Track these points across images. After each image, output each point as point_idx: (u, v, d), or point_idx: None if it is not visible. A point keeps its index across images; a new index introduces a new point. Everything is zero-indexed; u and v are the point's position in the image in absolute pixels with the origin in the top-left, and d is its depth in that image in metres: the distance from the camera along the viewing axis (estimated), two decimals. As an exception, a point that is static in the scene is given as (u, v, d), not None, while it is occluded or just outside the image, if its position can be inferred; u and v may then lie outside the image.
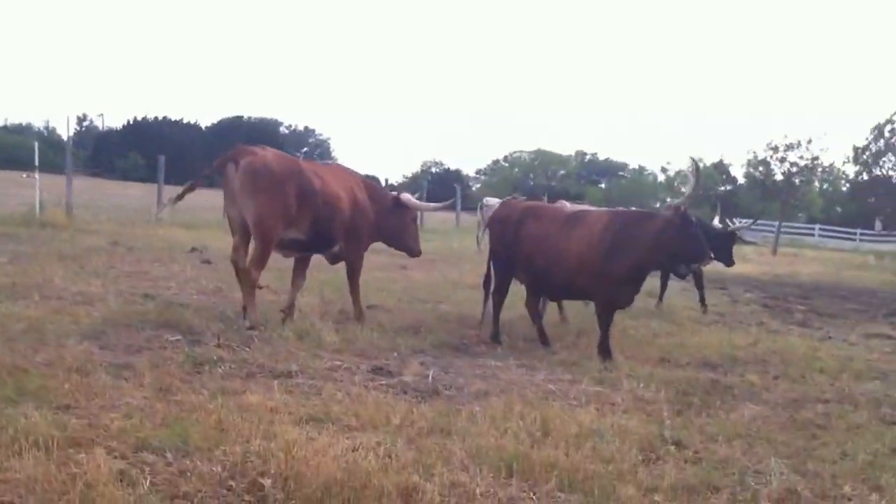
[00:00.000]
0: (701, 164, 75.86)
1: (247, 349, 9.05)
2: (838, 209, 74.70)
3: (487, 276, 11.63)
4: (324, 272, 13.41)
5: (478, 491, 5.27)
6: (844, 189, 70.50)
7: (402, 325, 11.33)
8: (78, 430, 5.87)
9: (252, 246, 10.42)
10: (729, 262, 16.04)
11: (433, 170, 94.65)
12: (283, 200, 10.26)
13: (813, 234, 62.15)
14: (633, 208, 15.41)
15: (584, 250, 10.14)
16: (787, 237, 51.91)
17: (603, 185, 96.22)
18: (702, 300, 15.97)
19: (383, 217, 11.86)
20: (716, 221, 17.21)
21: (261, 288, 11.69)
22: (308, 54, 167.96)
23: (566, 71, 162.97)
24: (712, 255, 10.47)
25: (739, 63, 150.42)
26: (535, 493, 5.39)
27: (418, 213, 13.42)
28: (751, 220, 21.69)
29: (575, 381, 8.81)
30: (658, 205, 75.16)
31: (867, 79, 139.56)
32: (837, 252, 48.30)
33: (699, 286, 16.02)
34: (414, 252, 12.53)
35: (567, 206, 12.51)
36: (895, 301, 18.74)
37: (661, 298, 15.98)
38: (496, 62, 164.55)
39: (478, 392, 8.05)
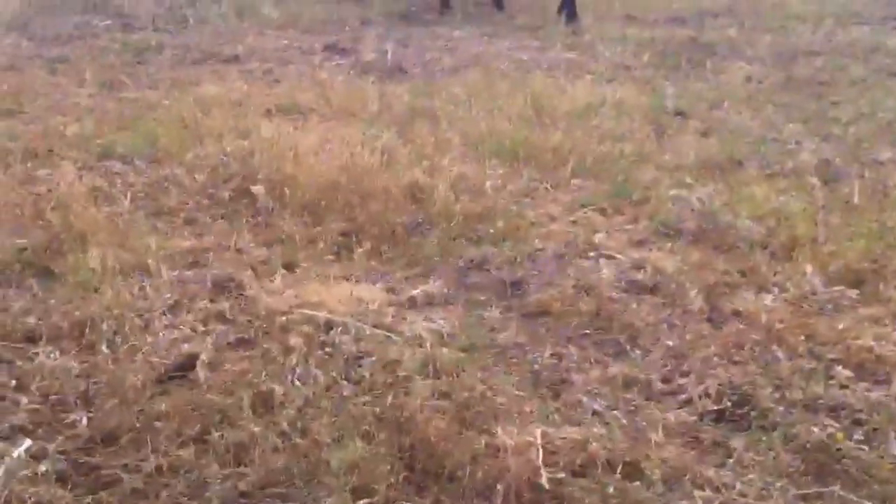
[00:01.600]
0: None
1: (185, 31, 8.36)
2: None
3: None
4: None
5: (488, 184, 4.85)
6: None
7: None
8: (32, 140, 5.30)
9: None
10: None
11: None
12: None
13: None
14: None
15: None
16: None
17: None
18: None
19: None
20: None
21: None
22: None
23: None
24: None
25: None
26: (549, 183, 4.99)
27: None
28: None
29: (545, 48, 8.32)
30: None
31: None
32: None
33: None
34: None
35: None
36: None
37: None
38: None
39: (446, 68, 7.54)
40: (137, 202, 4.54)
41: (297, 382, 3.05)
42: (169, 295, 3.58)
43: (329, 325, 3.41)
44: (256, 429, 2.79)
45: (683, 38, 8.77)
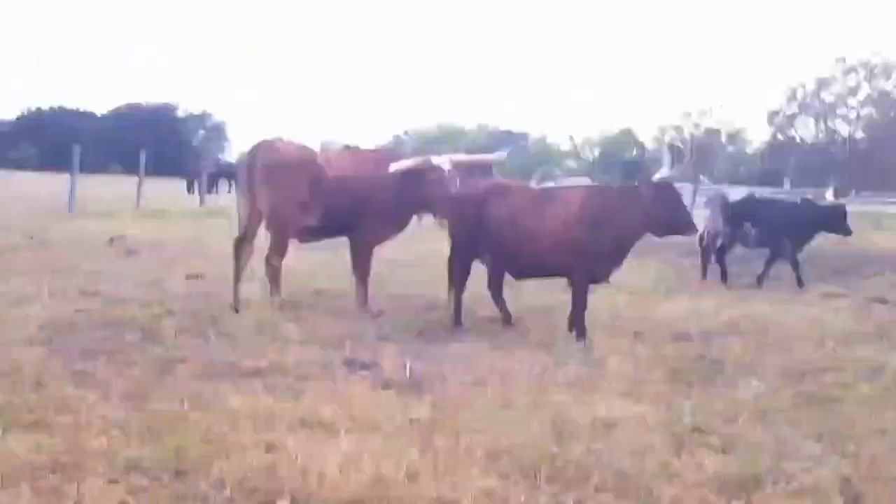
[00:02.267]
0: (607, 133, 76.14)
1: (207, 346, 8.57)
2: (742, 168, 76.33)
3: (451, 258, 11.16)
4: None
5: (511, 502, 4.86)
6: (749, 151, 71.71)
7: (357, 310, 10.89)
8: (59, 453, 5.33)
9: (269, 235, 10.98)
10: (848, 232, 16.29)
11: (332, 147, 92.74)
12: (295, 188, 10.66)
13: (723, 194, 62.74)
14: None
15: (562, 227, 9.83)
16: (700, 198, 52.02)
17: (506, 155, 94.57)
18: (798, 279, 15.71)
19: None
20: (829, 195, 17.08)
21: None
22: (198, 33, 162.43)
23: (462, 44, 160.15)
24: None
25: (641, 31, 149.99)
26: (573, 499, 4.99)
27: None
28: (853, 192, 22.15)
29: (557, 363, 8.46)
30: (558, 172, 75.84)
31: (769, 45, 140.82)
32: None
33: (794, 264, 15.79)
34: None
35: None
36: (833, 259, 18.63)
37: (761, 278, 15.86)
38: (392, 29, 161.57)
39: (464, 382, 7.65)
40: (163, 517, 4.50)
41: None
42: None
43: None
44: None
45: (692, 354, 8.99)
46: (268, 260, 10.82)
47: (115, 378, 7.16)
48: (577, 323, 9.84)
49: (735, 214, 15.98)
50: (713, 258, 16.21)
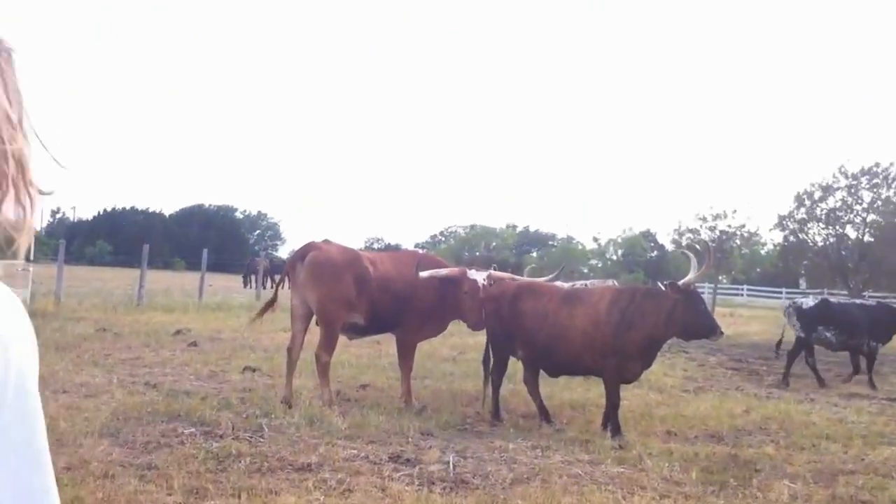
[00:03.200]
0: (629, 233, 75.85)
1: (261, 440, 8.36)
2: (758, 270, 75.59)
3: (487, 354, 10.97)
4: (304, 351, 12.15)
5: None
6: (763, 252, 71.09)
7: (401, 404, 10.67)
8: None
9: (319, 332, 10.81)
10: None
11: (374, 245, 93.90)
12: (342, 287, 10.53)
13: (741, 294, 62.22)
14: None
15: (591, 327, 9.59)
16: (719, 297, 51.44)
17: (535, 255, 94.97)
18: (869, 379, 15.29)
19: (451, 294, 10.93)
20: None
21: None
22: (258, 144, 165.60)
23: (497, 152, 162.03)
24: None
25: (658, 137, 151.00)
26: None
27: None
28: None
29: (595, 461, 8.18)
30: (586, 270, 75.64)
31: (782, 145, 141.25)
32: (770, 310, 47.62)
33: (869, 365, 15.41)
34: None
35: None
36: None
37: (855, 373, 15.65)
38: (436, 142, 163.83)
39: (506, 479, 7.39)
40: None
41: None
42: None
43: None
44: None
45: (724, 454, 8.66)
46: (318, 356, 10.66)
47: (176, 472, 6.97)
48: (611, 421, 9.55)
49: (810, 319, 15.54)
50: (810, 360, 15.61)
